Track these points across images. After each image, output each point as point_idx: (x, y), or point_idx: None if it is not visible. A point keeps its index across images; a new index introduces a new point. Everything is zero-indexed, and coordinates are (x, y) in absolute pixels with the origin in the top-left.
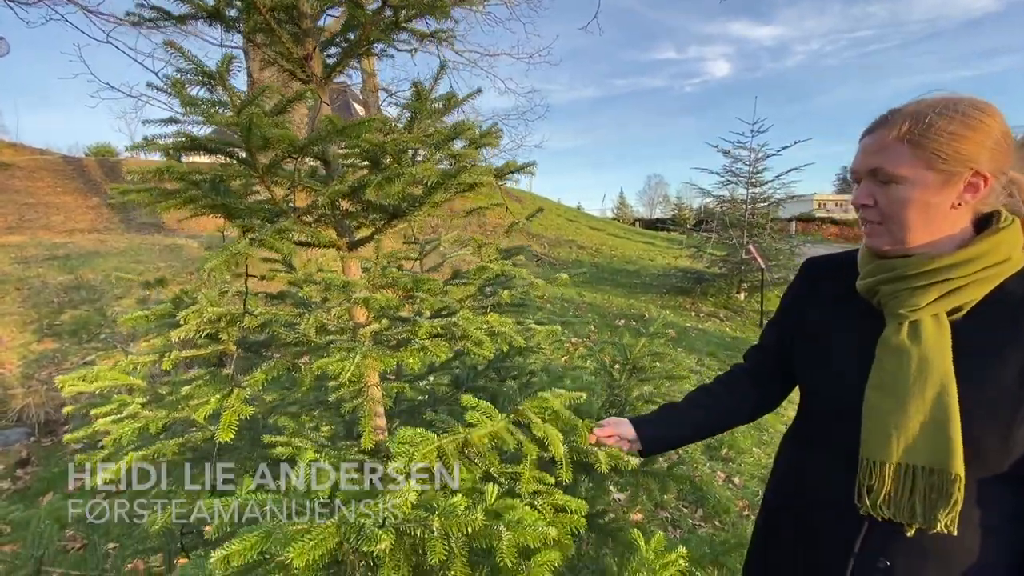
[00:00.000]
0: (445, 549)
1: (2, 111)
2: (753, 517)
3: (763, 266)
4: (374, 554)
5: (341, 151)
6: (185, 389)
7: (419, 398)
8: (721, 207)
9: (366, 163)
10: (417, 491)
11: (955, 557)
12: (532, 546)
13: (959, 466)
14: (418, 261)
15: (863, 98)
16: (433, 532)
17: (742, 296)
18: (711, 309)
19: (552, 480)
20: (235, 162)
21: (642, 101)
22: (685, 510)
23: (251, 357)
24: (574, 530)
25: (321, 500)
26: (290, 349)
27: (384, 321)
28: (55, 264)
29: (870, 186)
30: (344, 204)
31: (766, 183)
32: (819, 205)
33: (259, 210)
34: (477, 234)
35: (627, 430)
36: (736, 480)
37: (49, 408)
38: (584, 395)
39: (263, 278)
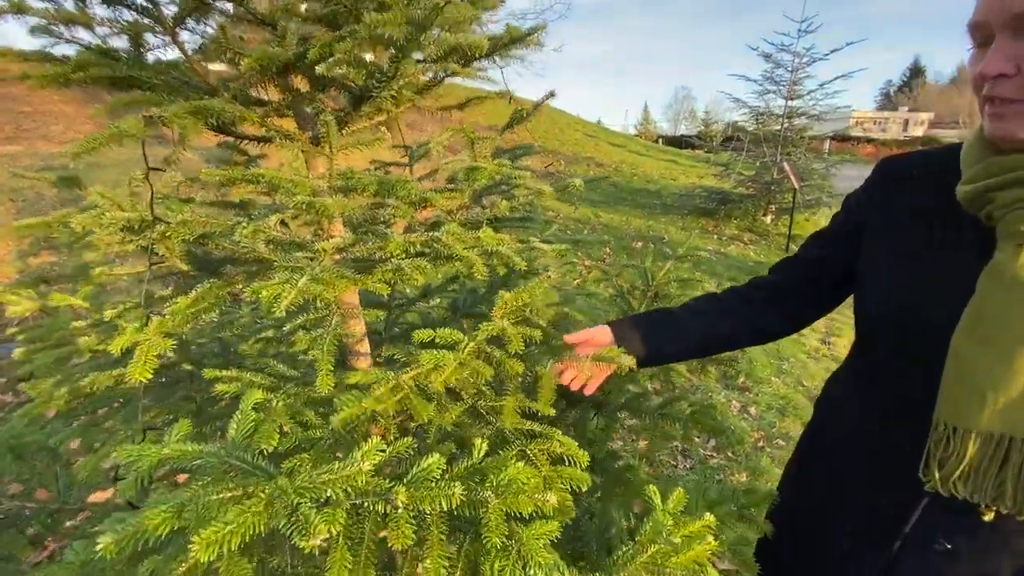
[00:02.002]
0: (415, 531)
1: None
2: (769, 449)
3: (796, 186)
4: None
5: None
6: (108, 314)
7: (417, 321)
8: (757, 119)
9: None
10: (377, 455)
11: None
12: (526, 515)
13: None
14: (408, 169)
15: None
16: (399, 509)
17: (768, 219)
18: (734, 232)
19: (552, 411)
20: (141, 17)
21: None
22: (697, 439)
23: (201, 276)
24: (575, 487)
25: (267, 452)
26: (250, 267)
27: (349, 235)
28: (51, 175)
29: (1013, 46)
30: (298, 82)
31: (807, 94)
32: (856, 123)
33: (177, 86)
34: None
35: (604, 337)
36: (752, 410)
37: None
38: (551, 281)
39: (221, 185)
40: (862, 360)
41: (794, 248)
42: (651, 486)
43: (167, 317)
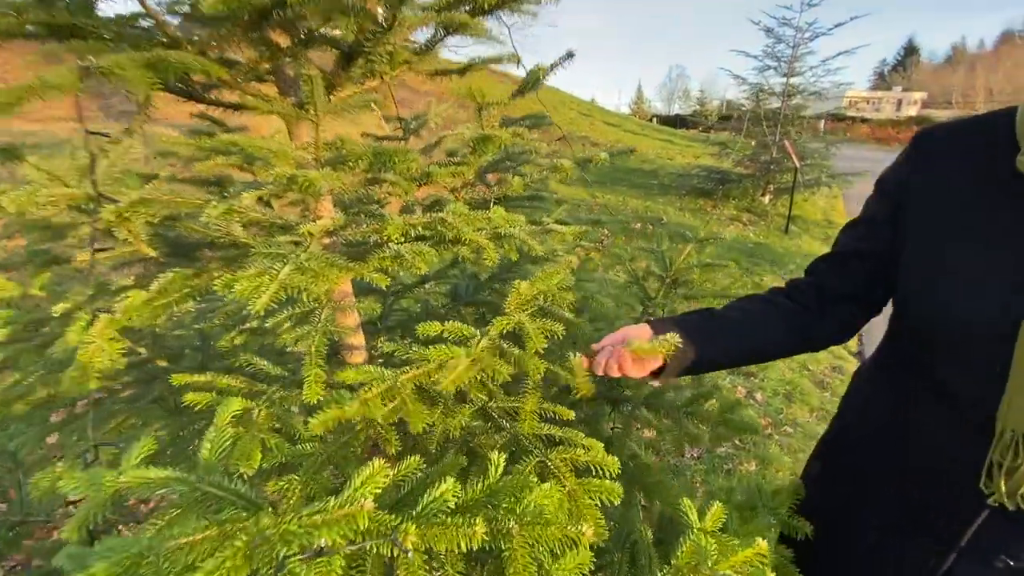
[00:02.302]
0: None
1: None
2: (777, 436)
3: (797, 165)
4: None
5: None
6: (58, 308)
7: (415, 308)
8: (757, 96)
9: None
10: (381, 481)
11: None
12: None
13: None
14: (403, 144)
15: None
16: (408, 553)
17: (767, 199)
18: (733, 213)
19: (571, 414)
20: None
21: None
22: (703, 427)
23: (174, 262)
24: (607, 501)
25: (247, 477)
26: (228, 252)
27: (339, 216)
28: (24, 154)
29: None
30: (277, 37)
31: (808, 70)
32: (850, 103)
33: (132, 37)
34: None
35: (643, 334)
36: (758, 396)
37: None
38: (571, 265)
39: (191, 159)
40: (895, 347)
41: (794, 229)
42: (685, 499)
43: (119, 315)
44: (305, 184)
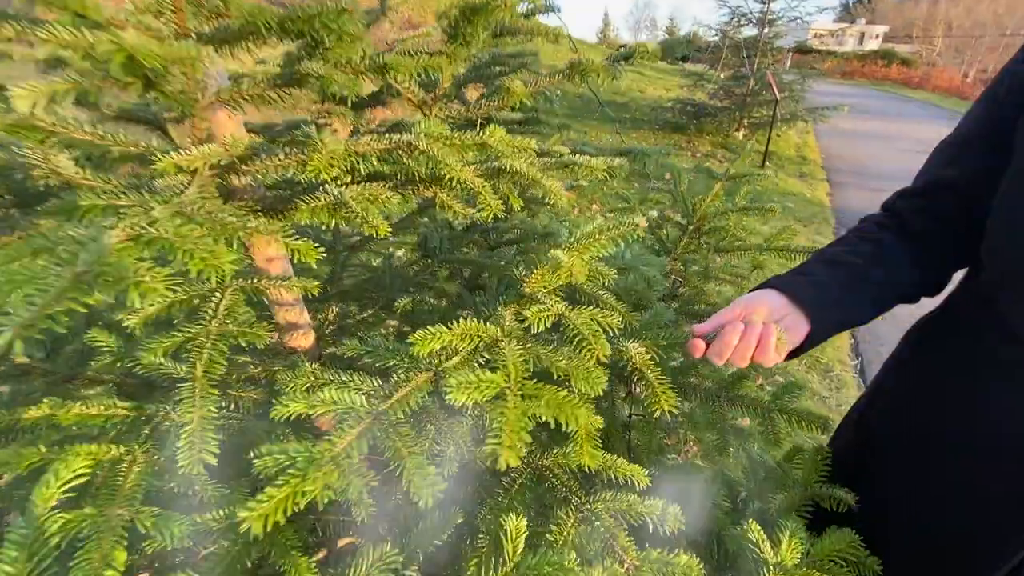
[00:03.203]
0: None
1: None
2: (769, 388)
3: (777, 97)
4: None
5: None
6: None
7: (374, 262)
8: (739, 22)
9: None
10: None
11: None
12: None
13: None
14: None
15: None
16: None
17: (741, 134)
18: (708, 149)
19: (600, 422)
20: None
21: None
22: (752, 418)
23: (24, 217)
24: None
25: None
26: (66, 202)
27: (241, 140)
28: None
29: None
30: None
31: None
32: (815, 35)
33: None
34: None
35: (766, 303)
36: None
37: None
38: (627, 227)
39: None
40: (969, 288)
41: (769, 165)
42: (752, 521)
43: None
44: (121, 60)
